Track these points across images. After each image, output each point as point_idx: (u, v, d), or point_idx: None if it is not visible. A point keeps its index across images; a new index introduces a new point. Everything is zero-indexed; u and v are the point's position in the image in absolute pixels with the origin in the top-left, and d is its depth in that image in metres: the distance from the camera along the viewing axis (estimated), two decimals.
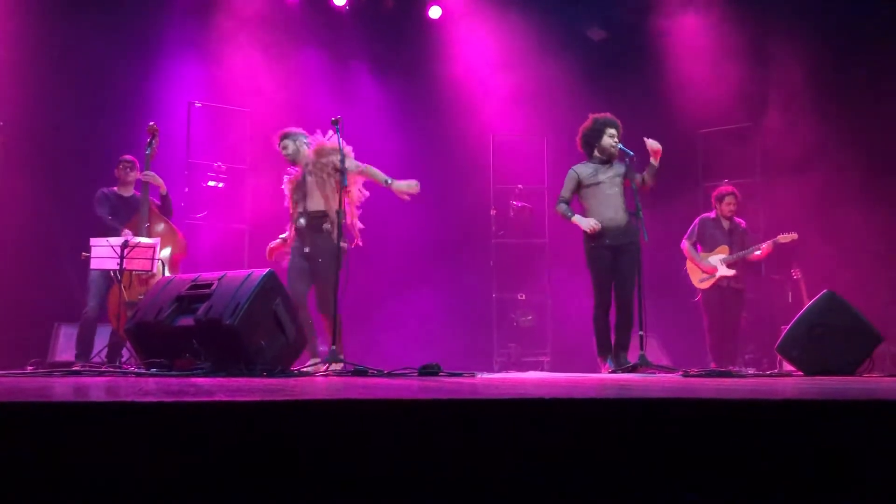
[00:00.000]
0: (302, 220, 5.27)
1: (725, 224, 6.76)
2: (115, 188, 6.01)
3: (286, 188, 5.44)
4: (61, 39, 7.02)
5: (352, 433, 1.34)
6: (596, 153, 5.58)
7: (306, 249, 5.24)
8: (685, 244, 6.78)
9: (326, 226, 5.19)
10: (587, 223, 5.42)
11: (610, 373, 5.23)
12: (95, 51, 7.18)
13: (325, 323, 5.19)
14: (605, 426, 1.42)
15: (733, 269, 6.62)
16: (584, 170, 5.58)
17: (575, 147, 5.85)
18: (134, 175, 5.99)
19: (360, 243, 5.42)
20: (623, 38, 8.67)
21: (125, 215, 5.83)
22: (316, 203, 5.24)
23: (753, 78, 7.84)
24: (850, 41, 7.41)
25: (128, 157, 6.05)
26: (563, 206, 5.59)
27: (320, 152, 5.30)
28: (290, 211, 5.40)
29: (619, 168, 5.52)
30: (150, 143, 5.82)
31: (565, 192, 5.60)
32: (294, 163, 5.41)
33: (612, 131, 5.54)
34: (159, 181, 5.83)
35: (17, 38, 6.80)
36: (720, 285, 6.66)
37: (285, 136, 5.44)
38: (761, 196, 7.90)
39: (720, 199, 6.77)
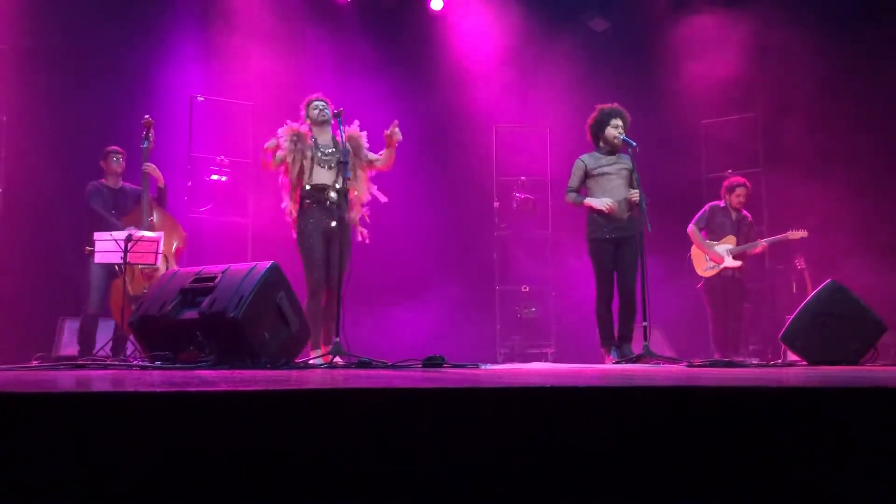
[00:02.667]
0: (333, 194, 5.21)
1: (734, 215, 6.76)
2: (104, 180, 5.96)
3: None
4: (64, 34, 7.03)
5: (355, 423, 1.34)
6: (602, 143, 5.61)
7: (332, 224, 5.17)
8: (692, 229, 6.75)
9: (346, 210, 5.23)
10: (600, 202, 5.44)
11: (614, 363, 5.23)
12: (98, 45, 7.19)
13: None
14: (610, 415, 1.42)
15: (739, 261, 6.64)
16: (590, 159, 5.61)
17: (577, 138, 5.87)
18: (123, 165, 5.97)
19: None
20: (625, 29, 8.65)
21: (119, 207, 5.83)
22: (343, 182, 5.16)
23: (756, 68, 7.83)
24: (854, 29, 7.38)
25: (115, 147, 6.01)
26: (572, 195, 5.62)
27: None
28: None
29: (626, 162, 5.53)
30: (147, 136, 5.81)
31: (573, 181, 5.62)
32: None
33: (617, 122, 5.56)
34: (158, 174, 5.82)
35: (19, 33, 6.81)
36: (723, 275, 6.67)
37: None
38: (764, 187, 7.89)
39: (731, 189, 6.75)
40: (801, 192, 7.29)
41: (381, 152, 5.49)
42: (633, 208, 5.46)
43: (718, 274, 6.68)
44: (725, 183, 6.88)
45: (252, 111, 7.92)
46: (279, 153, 5.25)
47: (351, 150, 5.29)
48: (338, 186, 5.17)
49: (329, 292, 5.18)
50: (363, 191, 5.47)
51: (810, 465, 1.40)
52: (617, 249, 5.48)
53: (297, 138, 5.30)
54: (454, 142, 8.60)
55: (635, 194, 5.40)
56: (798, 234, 6.60)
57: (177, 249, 5.80)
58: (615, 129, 5.54)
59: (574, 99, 7.75)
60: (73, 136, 6.96)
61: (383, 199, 5.54)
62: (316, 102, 5.50)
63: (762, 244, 6.64)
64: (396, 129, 5.36)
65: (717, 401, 1.46)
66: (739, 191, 6.72)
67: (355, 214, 5.41)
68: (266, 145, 5.24)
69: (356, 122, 5.56)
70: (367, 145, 5.52)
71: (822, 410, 1.46)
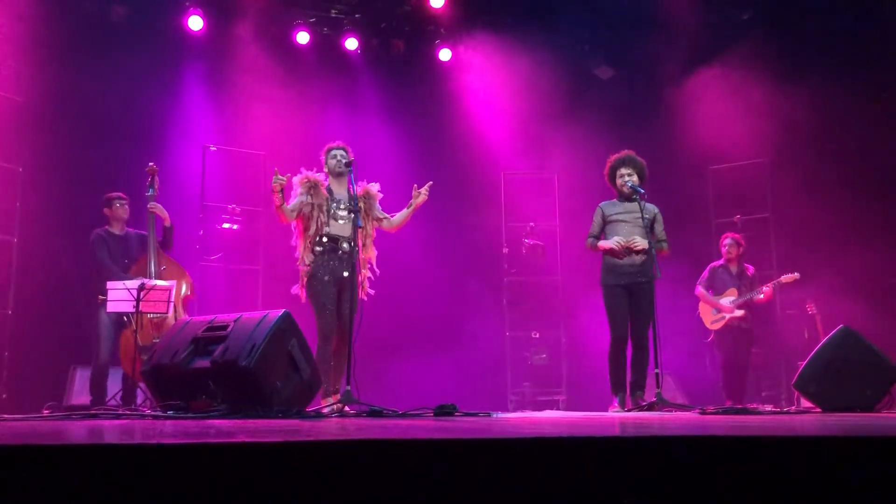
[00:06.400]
0: (346, 245, 5.13)
1: (733, 269, 7.00)
2: (107, 227, 5.94)
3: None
4: (79, 86, 7.15)
5: (377, 474, 1.35)
6: (618, 192, 5.70)
7: (345, 274, 5.10)
8: (699, 290, 7.03)
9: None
10: (611, 241, 5.50)
11: (627, 411, 5.19)
12: (112, 96, 7.30)
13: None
14: (626, 466, 1.42)
15: (742, 311, 6.83)
16: (608, 206, 5.69)
17: (585, 184, 5.94)
18: (127, 210, 5.96)
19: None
20: (632, 76, 8.76)
21: (121, 254, 5.81)
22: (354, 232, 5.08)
23: (763, 114, 7.88)
24: (857, 77, 7.45)
25: (118, 192, 6.00)
26: (590, 240, 5.69)
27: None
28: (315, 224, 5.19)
29: (646, 211, 5.55)
30: (151, 183, 5.85)
31: (593, 228, 5.71)
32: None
33: (623, 170, 5.63)
34: (164, 213, 5.82)
35: (36, 85, 6.94)
36: (731, 325, 6.87)
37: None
38: (773, 232, 7.90)
39: (723, 245, 7.05)
40: (810, 236, 7.31)
41: (394, 214, 5.45)
42: (647, 254, 5.48)
43: (726, 325, 6.88)
44: (720, 241, 7.13)
45: (263, 160, 8.02)
46: (293, 202, 5.23)
47: (363, 206, 5.29)
48: (351, 239, 5.09)
49: (339, 340, 5.15)
50: (371, 251, 5.40)
51: None
52: (631, 296, 5.49)
53: (312, 189, 5.24)
54: (463, 189, 8.66)
55: (637, 242, 5.43)
56: (790, 277, 6.81)
57: (184, 297, 5.81)
58: (621, 178, 5.61)
59: (582, 146, 7.82)
60: (87, 187, 7.01)
61: (377, 271, 5.43)
62: (335, 151, 5.40)
63: (765, 291, 6.82)
64: (426, 191, 5.34)
65: (733, 453, 1.46)
66: (727, 245, 7.00)
67: (363, 275, 5.33)
68: (274, 183, 5.03)
69: (377, 185, 5.50)
70: (379, 205, 5.47)
71: (841, 461, 1.46)
